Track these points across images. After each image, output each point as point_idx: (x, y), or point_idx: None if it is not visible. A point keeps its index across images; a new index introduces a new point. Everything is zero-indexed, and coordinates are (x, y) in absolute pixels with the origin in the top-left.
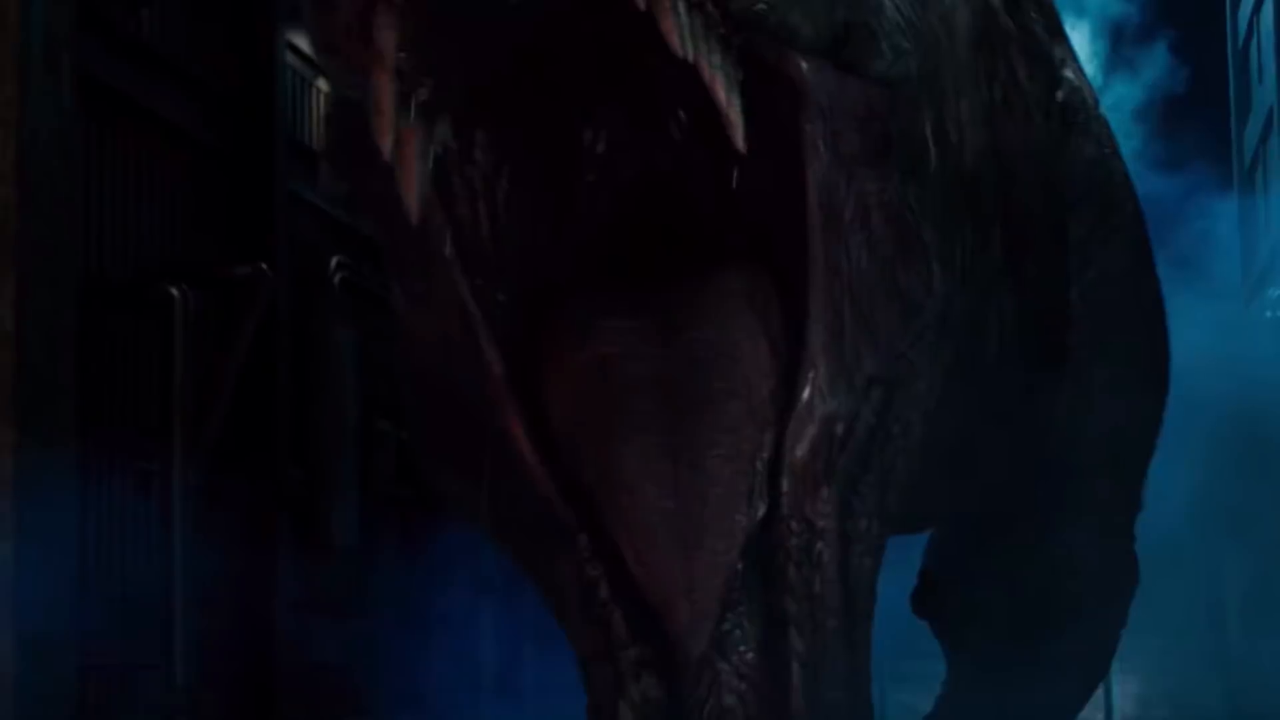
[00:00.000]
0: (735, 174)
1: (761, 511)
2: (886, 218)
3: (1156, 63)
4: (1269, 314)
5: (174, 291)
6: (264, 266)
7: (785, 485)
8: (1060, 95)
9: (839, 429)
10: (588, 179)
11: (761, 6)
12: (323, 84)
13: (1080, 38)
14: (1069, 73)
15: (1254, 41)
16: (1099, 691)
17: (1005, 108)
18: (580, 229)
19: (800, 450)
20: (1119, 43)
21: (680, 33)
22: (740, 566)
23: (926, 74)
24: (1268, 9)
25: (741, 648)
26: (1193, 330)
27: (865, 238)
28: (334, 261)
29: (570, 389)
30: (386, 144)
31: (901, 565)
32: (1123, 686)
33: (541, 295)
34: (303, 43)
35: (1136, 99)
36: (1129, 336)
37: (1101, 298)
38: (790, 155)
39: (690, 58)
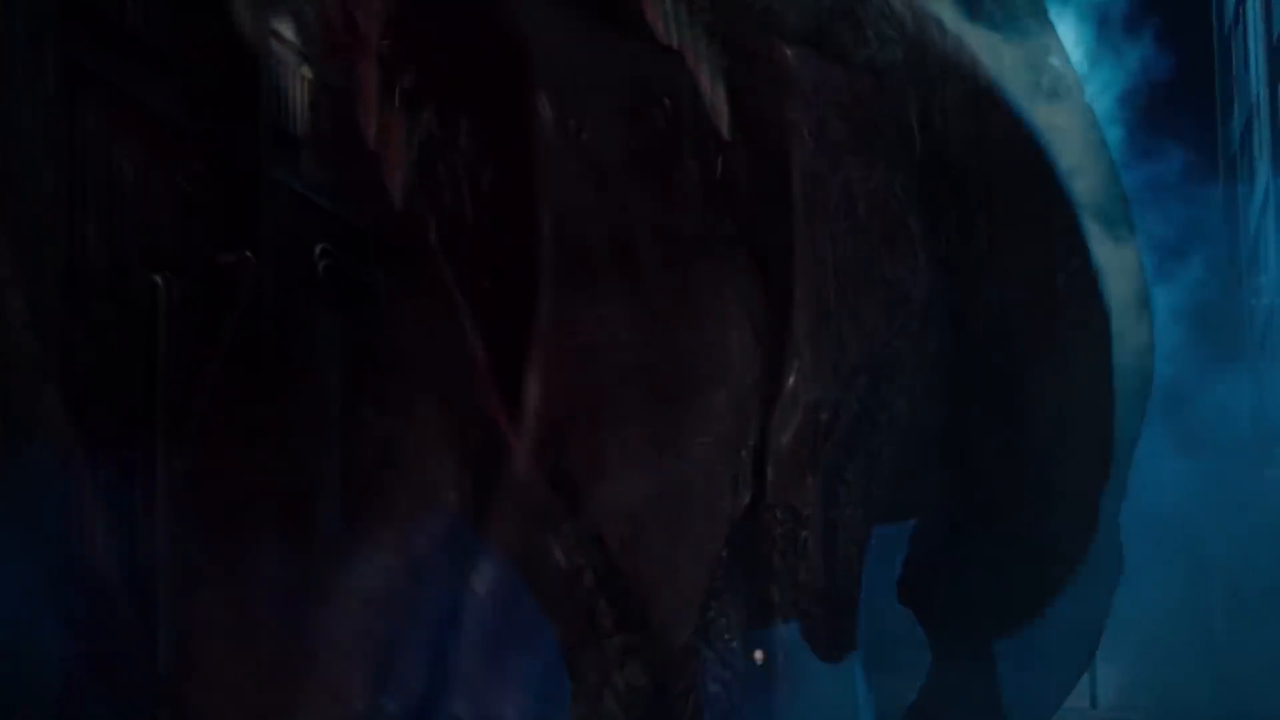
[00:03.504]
0: (720, 162)
1: (747, 499)
2: (872, 205)
3: (1142, 49)
4: (1253, 301)
5: (157, 279)
6: (248, 254)
7: (771, 473)
8: (1046, 83)
9: (824, 416)
10: (574, 167)
11: None
12: (308, 71)
13: (1065, 25)
14: (1055, 60)
15: (1239, 28)
16: (1084, 680)
17: (990, 96)
18: (566, 217)
19: (785, 438)
20: (1104, 29)
21: (666, 20)
22: (725, 554)
23: (913, 62)
24: None
25: (726, 635)
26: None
27: (850, 225)
28: (318, 249)
29: (556, 377)
30: (370, 131)
31: (888, 554)
32: (1106, 676)
33: (527, 283)
34: (288, 30)
35: (1122, 85)
36: (1115, 324)
37: (1087, 285)
38: (775, 143)
39: (675, 45)
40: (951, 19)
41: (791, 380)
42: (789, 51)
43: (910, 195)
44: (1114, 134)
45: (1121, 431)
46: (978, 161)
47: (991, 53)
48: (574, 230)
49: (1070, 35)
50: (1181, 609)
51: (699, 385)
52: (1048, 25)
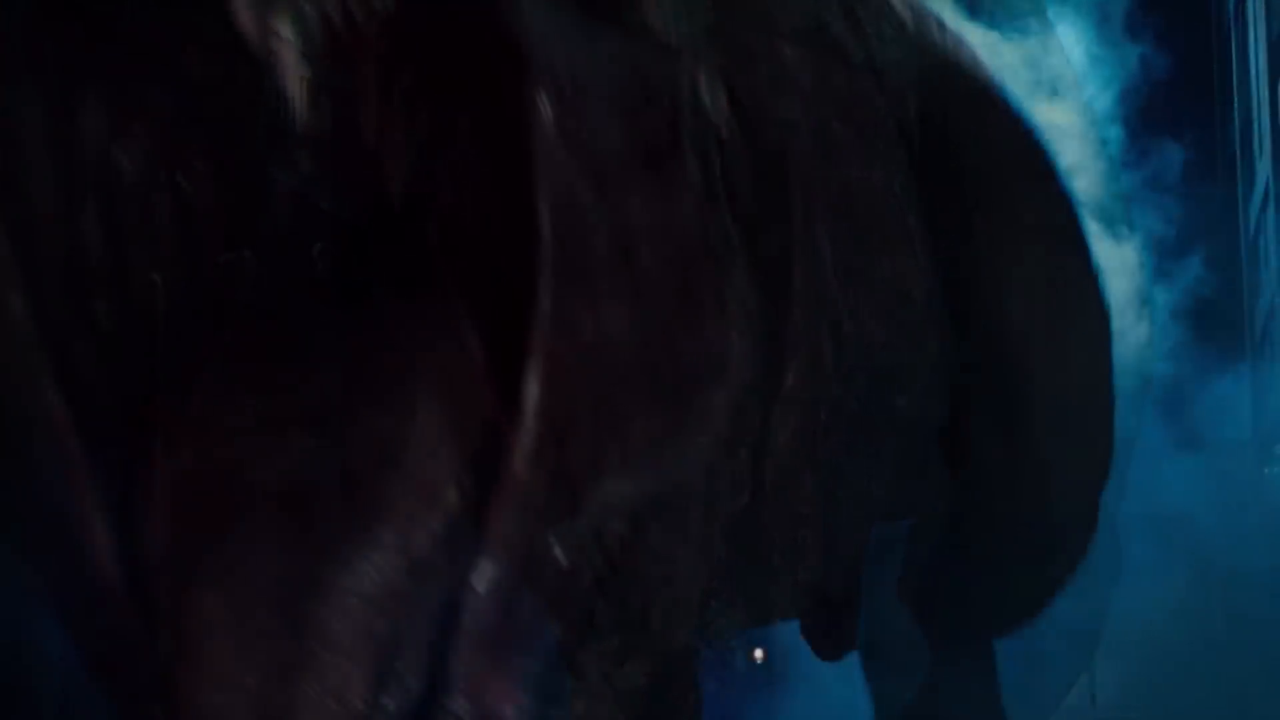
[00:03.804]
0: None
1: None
2: (872, 205)
3: (1142, 48)
4: (1253, 300)
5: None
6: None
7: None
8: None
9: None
10: (574, 167)
11: None
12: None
13: (1065, 23)
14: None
15: (1239, 27)
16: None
17: (990, 94)
18: (566, 217)
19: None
20: (1104, 27)
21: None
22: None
23: (913, 61)
24: None
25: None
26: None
27: (851, 225)
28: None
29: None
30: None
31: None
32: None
33: (527, 283)
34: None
35: (1122, 84)
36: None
37: (1087, 284)
38: (775, 143)
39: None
40: (951, 17)
41: (790, 379)
42: (789, 51)
43: (910, 195)
44: (1114, 132)
45: (1121, 430)
46: (978, 161)
47: (991, 51)
48: (574, 230)
49: (1070, 33)
50: (1181, 609)
51: (698, 385)
52: (1048, 23)
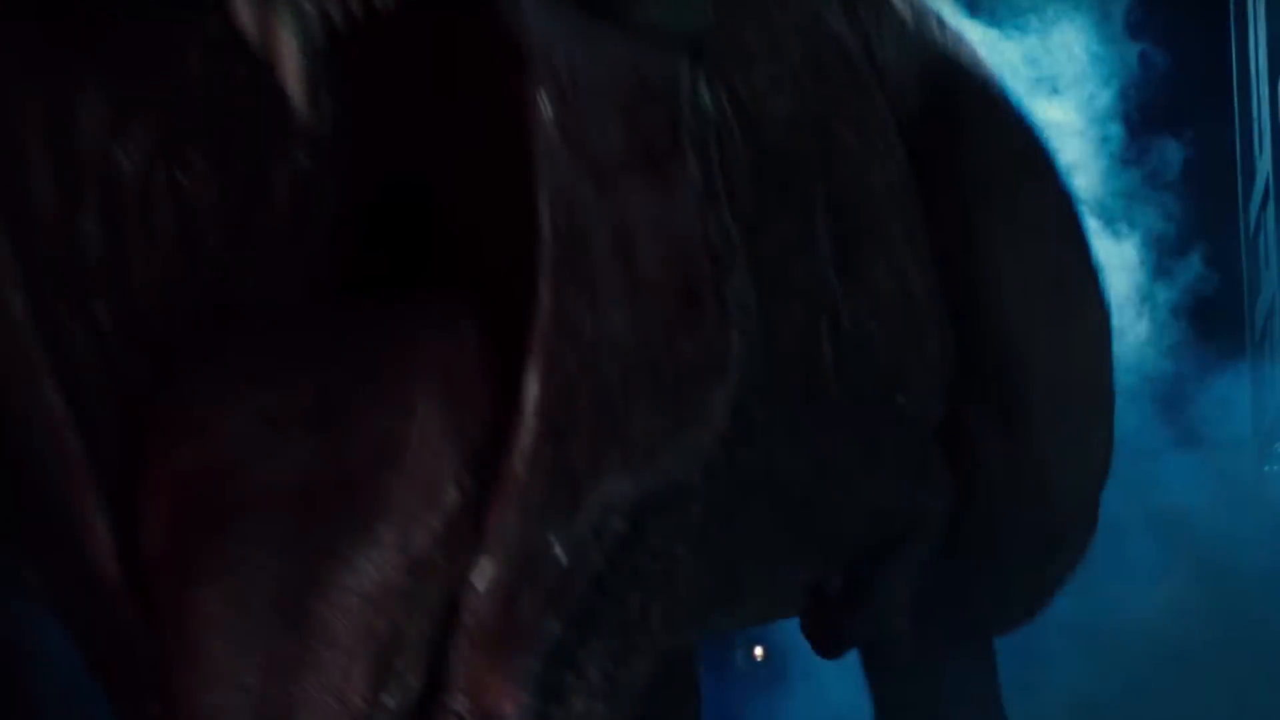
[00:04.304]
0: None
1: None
2: (870, 204)
3: (1143, 45)
4: (1253, 298)
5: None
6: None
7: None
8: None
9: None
10: (574, 167)
11: None
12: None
13: (1066, 20)
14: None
15: (1241, 24)
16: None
17: (991, 92)
18: (566, 216)
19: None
20: (1105, 25)
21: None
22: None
23: (912, 59)
24: None
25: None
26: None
27: (850, 224)
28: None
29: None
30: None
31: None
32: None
33: (528, 282)
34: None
35: (1122, 81)
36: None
37: (1087, 282)
38: (775, 142)
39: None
40: (951, 15)
41: (790, 379)
42: (789, 51)
43: (909, 194)
44: (1114, 130)
45: (1120, 429)
46: (977, 159)
47: (992, 48)
48: (574, 229)
49: (1071, 31)
50: (1181, 608)
51: (698, 385)
52: (1049, 20)
